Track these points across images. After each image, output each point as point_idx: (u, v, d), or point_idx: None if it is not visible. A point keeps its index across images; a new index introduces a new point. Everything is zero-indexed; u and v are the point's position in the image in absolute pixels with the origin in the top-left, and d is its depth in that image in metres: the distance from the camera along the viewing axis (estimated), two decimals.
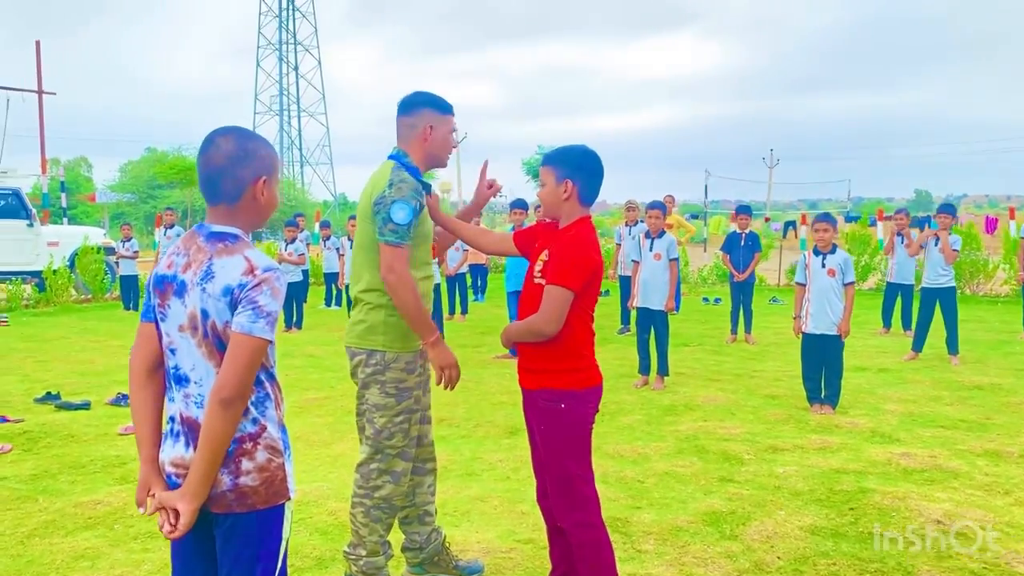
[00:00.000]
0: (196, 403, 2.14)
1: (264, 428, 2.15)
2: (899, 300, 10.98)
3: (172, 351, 2.17)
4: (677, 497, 4.71)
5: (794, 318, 6.96)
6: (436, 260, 9.48)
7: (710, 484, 4.92)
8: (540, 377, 3.05)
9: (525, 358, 3.12)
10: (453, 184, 36.14)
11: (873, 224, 29.17)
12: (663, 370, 7.74)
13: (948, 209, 9.13)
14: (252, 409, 2.13)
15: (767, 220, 31.10)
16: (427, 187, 3.35)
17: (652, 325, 7.82)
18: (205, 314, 2.10)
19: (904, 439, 5.84)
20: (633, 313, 9.02)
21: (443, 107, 3.37)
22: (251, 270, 2.08)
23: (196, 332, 2.12)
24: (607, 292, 16.00)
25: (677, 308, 11.62)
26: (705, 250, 25.64)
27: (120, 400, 7.08)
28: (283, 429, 2.24)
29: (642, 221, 11.29)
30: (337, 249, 14.24)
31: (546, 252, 3.04)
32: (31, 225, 15.66)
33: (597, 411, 3.12)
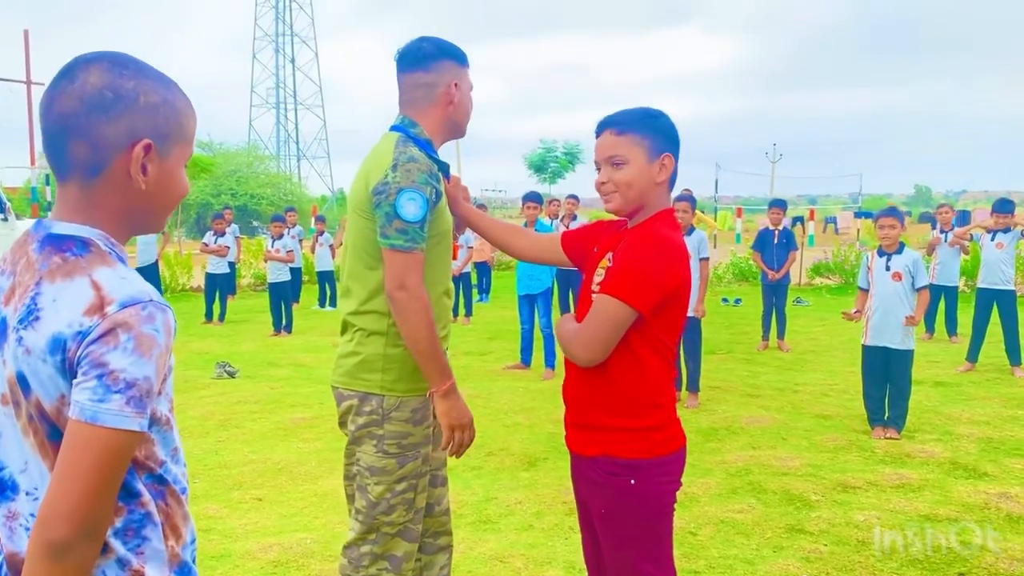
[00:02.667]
0: (25, 528, 1.26)
1: None
2: (942, 303, 10.09)
3: None
4: (741, 556, 3.83)
5: (854, 312, 6.02)
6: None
7: (778, 537, 4.05)
8: (597, 438, 2.16)
9: (574, 409, 2.23)
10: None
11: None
12: (695, 385, 6.87)
13: (1006, 206, 8.22)
14: (116, 545, 1.25)
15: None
16: (444, 168, 2.49)
17: (683, 333, 6.94)
18: (24, 382, 1.22)
19: (993, 473, 4.97)
20: None
21: (462, 57, 2.51)
22: (99, 306, 1.20)
23: (19, 410, 1.25)
24: None
25: None
26: (715, 246, 24.75)
27: None
28: (185, 573, 1.36)
29: None
30: (331, 245, 13.50)
31: (610, 256, 2.17)
32: (5, 219, 14.79)
33: (680, 486, 2.23)
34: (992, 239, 7.98)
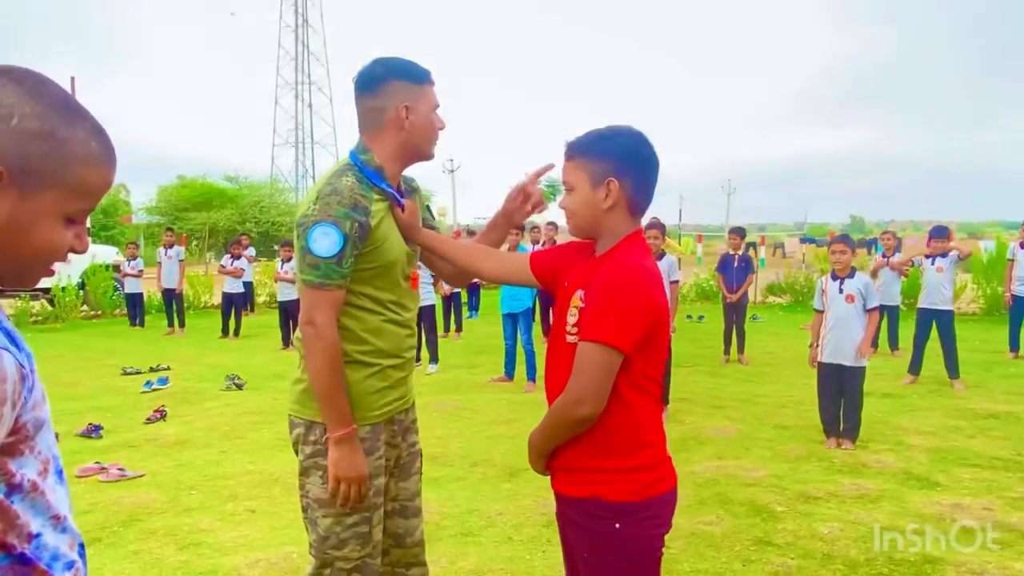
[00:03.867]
0: None
1: None
2: (885, 320, 9.75)
3: None
4: (712, 570, 3.46)
5: (810, 347, 5.74)
6: (431, 282, 8.11)
7: (747, 550, 3.67)
8: (582, 479, 1.78)
9: (558, 452, 1.84)
10: (448, 208, 34.61)
11: (825, 245, 28.33)
12: (664, 398, 6.51)
13: (942, 232, 7.95)
14: None
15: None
16: (391, 194, 2.08)
17: None
18: None
19: (944, 483, 4.62)
20: None
21: (417, 75, 2.07)
22: None
23: None
24: None
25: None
26: (680, 268, 24.42)
27: (92, 432, 5.79)
28: None
29: None
30: None
31: (580, 293, 1.77)
32: None
33: (670, 529, 1.84)
34: (932, 263, 7.68)
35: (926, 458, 5.14)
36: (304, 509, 2.10)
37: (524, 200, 2.22)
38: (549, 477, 1.91)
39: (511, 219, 2.27)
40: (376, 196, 2.04)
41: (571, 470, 1.79)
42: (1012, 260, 9.33)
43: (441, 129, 2.13)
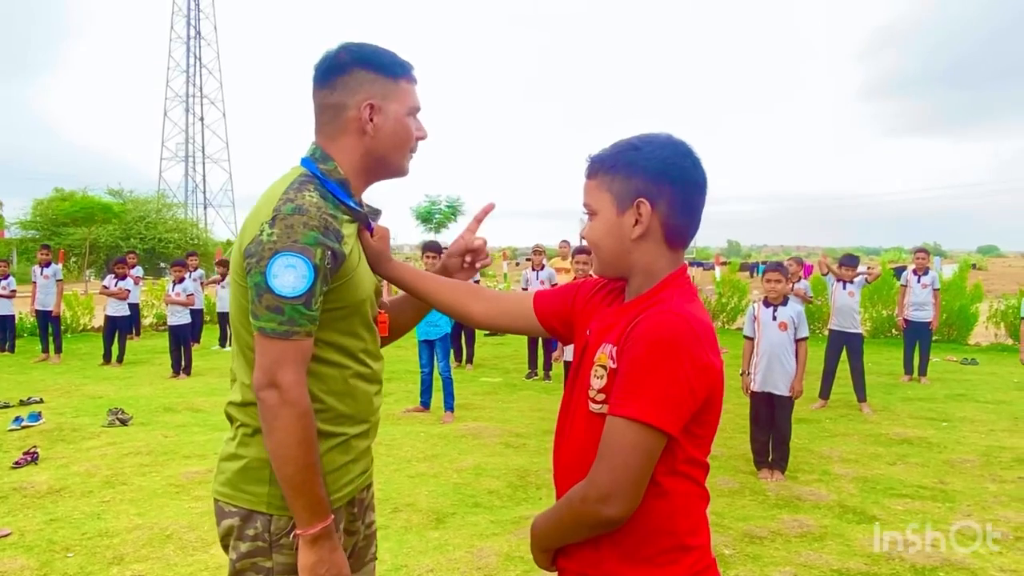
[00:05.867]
0: None
1: None
2: None
3: None
4: None
5: (741, 375, 5.57)
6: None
7: None
8: None
9: (575, 553, 1.40)
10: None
11: (711, 268, 29.15)
12: None
13: (852, 260, 8.10)
14: None
15: None
16: (363, 217, 1.64)
17: None
18: None
19: (881, 516, 4.48)
20: (558, 366, 7.57)
21: (391, 67, 1.61)
22: None
23: None
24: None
25: None
26: None
27: None
28: None
29: (545, 266, 9.88)
30: None
31: (610, 350, 1.35)
32: None
33: None
34: (844, 288, 7.78)
35: (856, 488, 5.02)
36: None
37: (471, 259, 1.83)
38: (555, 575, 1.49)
39: (451, 277, 1.84)
40: (345, 217, 1.58)
41: (591, 568, 1.38)
42: (905, 286, 9.62)
43: (420, 139, 1.67)
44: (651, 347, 1.26)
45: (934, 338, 13.05)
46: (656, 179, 1.37)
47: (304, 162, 1.62)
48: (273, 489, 1.52)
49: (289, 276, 1.42)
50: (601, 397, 1.34)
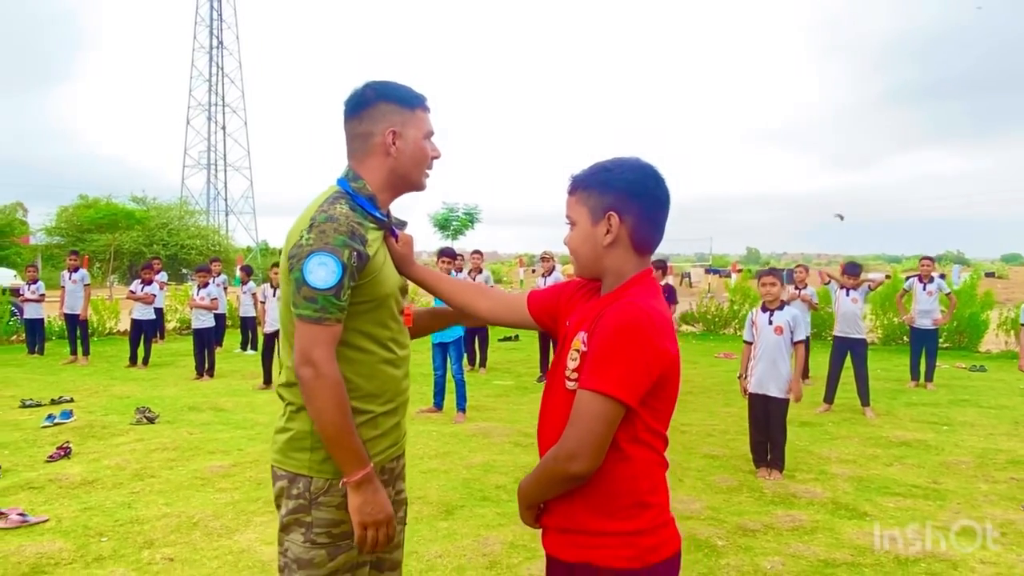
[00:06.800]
0: None
1: None
2: None
3: None
4: None
5: (739, 377, 5.77)
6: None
7: None
8: (577, 542, 1.61)
9: (553, 509, 1.67)
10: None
11: (728, 275, 29.21)
12: None
13: (855, 268, 8.25)
14: None
15: None
16: (388, 225, 1.96)
17: None
18: None
19: (872, 513, 4.67)
20: None
21: (408, 99, 1.93)
22: None
23: None
24: (516, 336, 14.66)
25: None
26: None
27: None
28: None
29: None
30: (255, 294, 12.54)
31: (583, 336, 1.62)
32: None
33: None
34: (848, 295, 7.95)
35: (851, 487, 5.20)
36: (281, 569, 1.88)
37: None
38: (540, 533, 1.73)
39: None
40: (371, 225, 1.88)
41: (565, 531, 1.63)
42: (908, 292, 9.77)
43: (435, 158, 1.98)
44: (615, 333, 1.52)
45: (945, 345, 13.23)
46: (624, 196, 1.63)
47: (339, 182, 1.93)
48: (314, 455, 1.81)
49: (321, 272, 1.73)
50: (575, 376, 1.60)
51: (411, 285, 2.13)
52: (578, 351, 1.61)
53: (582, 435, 1.51)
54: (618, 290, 1.65)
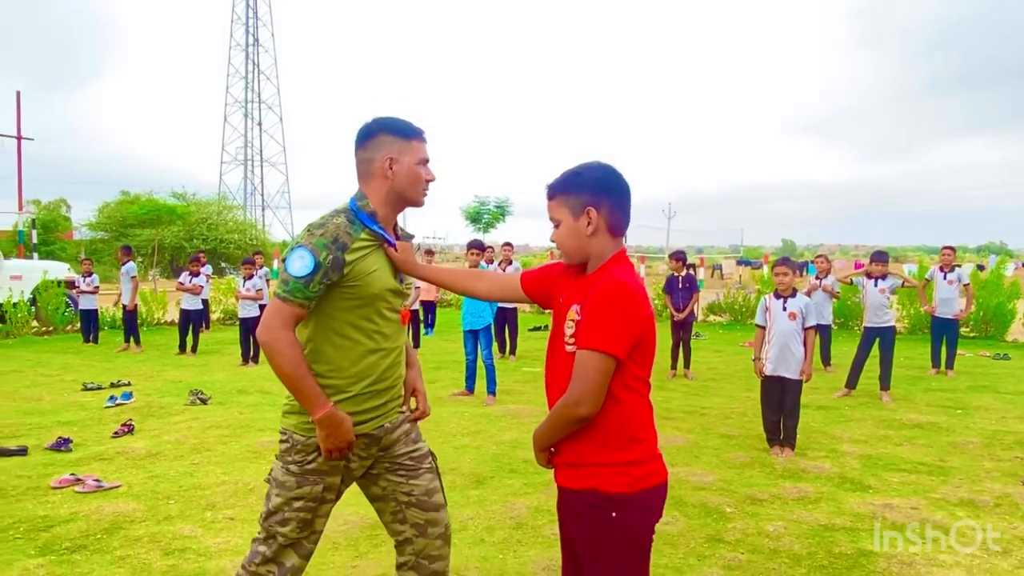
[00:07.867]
0: None
1: None
2: (817, 338, 10.23)
3: None
4: (671, 565, 3.70)
5: (754, 360, 6.08)
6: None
7: (700, 547, 3.93)
8: (582, 473, 1.98)
9: (563, 449, 2.05)
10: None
11: (759, 267, 29.24)
12: None
13: (883, 256, 8.45)
14: None
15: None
16: (381, 235, 2.33)
17: None
18: None
19: (876, 486, 4.97)
20: None
21: (404, 131, 2.33)
22: None
23: None
24: (546, 327, 15.02)
25: None
26: None
27: (62, 445, 5.76)
28: None
29: None
30: None
31: (576, 308, 1.99)
32: None
33: (660, 518, 2.07)
34: (875, 285, 8.13)
35: (859, 464, 5.50)
36: (268, 483, 2.37)
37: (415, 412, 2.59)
38: (552, 471, 2.11)
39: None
40: (364, 236, 2.27)
41: (572, 465, 2.01)
42: (929, 281, 9.95)
43: (429, 181, 2.38)
44: (603, 303, 1.90)
45: (971, 335, 13.32)
46: (596, 192, 2.02)
47: (350, 200, 2.35)
48: (300, 419, 2.27)
49: (298, 262, 2.15)
50: (572, 340, 1.97)
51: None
52: (573, 320, 1.98)
53: (585, 385, 1.89)
54: (600, 268, 2.02)
